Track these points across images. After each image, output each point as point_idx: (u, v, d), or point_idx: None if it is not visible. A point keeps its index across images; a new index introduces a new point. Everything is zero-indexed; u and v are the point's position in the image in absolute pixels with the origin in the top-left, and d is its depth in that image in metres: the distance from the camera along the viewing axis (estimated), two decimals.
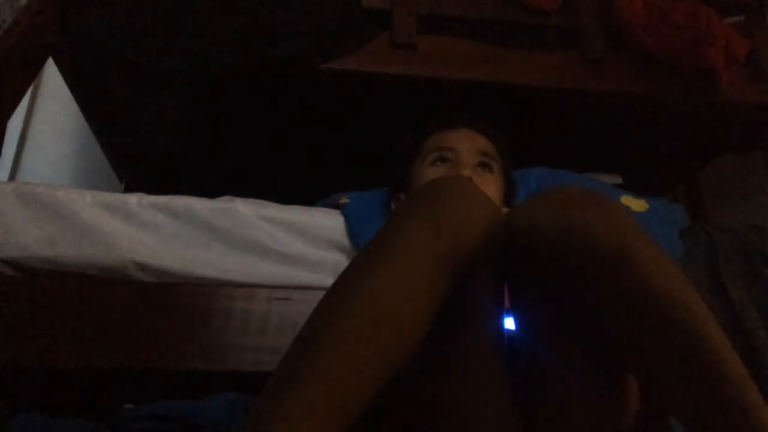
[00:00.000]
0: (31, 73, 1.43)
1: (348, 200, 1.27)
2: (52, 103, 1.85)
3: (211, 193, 1.24)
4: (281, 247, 1.15)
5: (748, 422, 0.55)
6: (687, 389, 0.59)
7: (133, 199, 1.16)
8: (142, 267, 1.09)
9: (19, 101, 1.39)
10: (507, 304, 0.77)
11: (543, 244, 0.67)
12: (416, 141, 1.21)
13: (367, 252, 0.64)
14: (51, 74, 1.67)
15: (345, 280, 0.62)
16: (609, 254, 0.61)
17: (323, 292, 0.62)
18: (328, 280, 1.11)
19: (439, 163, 1.15)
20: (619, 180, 1.89)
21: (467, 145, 1.15)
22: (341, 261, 1.15)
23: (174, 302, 1.07)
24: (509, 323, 0.76)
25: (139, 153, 1.94)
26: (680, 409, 0.61)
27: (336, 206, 1.27)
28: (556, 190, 0.72)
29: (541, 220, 0.68)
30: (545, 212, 0.68)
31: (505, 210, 1.12)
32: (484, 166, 1.15)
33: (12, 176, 1.73)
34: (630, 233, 0.62)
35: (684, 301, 0.60)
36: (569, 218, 0.65)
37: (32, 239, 1.08)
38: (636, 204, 1.37)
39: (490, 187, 1.12)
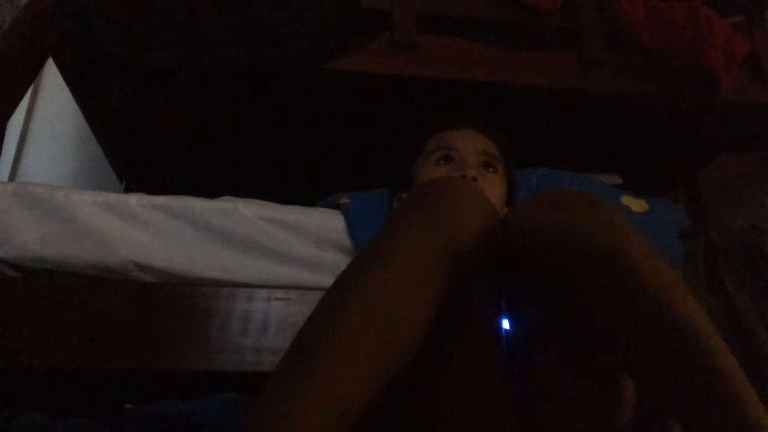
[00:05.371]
0: (31, 73, 1.43)
1: (348, 200, 1.27)
2: (52, 103, 1.86)
3: (211, 193, 1.24)
4: (281, 247, 1.15)
5: (745, 422, 0.55)
6: (683, 389, 0.59)
7: (133, 199, 1.16)
8: (142, 267, 1.09)
9: (19, 101, 1.39)
10: (504, 305, 0.77)
11: (538, 245, 0.67)
12: (418, 140, 1.21)
13: (366, 252, 0.64)
14: (51, 74, 1.68)
15: (345, 280, 0.63)
16: (604, 256, 0.61)
17: (323, 292, 0.62)
18: (328, 280, 1.12)
19: (442, 162, 1.14)
20: (619, 180, 1.89)
21: (471, 145, 1.15)
22: (341, 261, 1.15)
23: (174, 302, 1.07)
24: (506, 324, 0.77)
25: (139, 153, 1.94)
26: (677, 409, 0.61)
27: (336, 206, 1.27)
28: (551, 192, 0.73)
29: (537, 221, 0.68)
30: (540, 214, 0.68)
31: (506, 210, 1.12)
32: (487, 166, 1.14)
33: (12, 176, 1.74)
34: (625, 234, 0.62)
35: (679, 302, 0.60)
36: (564, 220, 0.65)
37: (32, 239, 1.08)
38: (636, 204, 1.37)
39: (495, 187, 1.12)
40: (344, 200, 1.27)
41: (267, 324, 1.07)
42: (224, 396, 1.03)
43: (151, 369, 1.04)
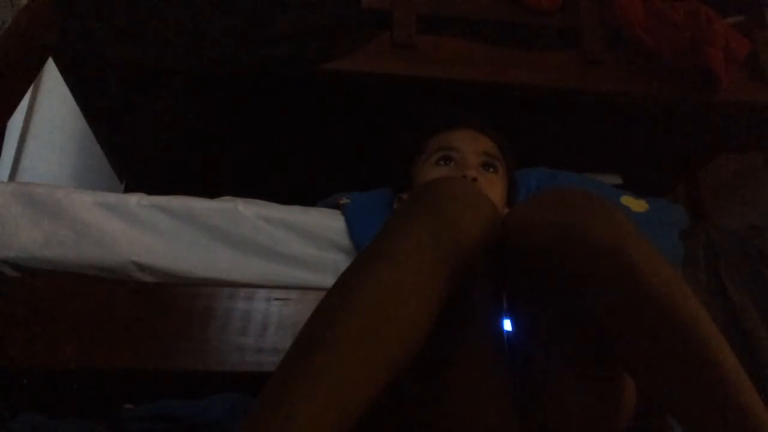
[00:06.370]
0: (31, 73, 1.43)
1: (348, 200, 1.27)
2: (52, 103, 1.86)
3: (211, 193, 1.24)
4: (281, 247, 1.15)
5: (746, 422, 0.55)
6: (684, 389, 0.59)
7: (133, 199, 1.16)
8: (142, 267, 1.09)
9: (19, 101, 1.39)
10: (505, 306, 0.77)
11: (539, 245, 0.67)
12: (418, 140, 1.20)
13: (367, 253, 0.64)
14: (51, 74, 1.68)
15: (345, 280, 0.63)
16: (605, 255, 0.61)
17: (323, 292, 0.62)
18: (328, 281, 1.12)
19: (442, 163, 1.14)
20: (619, 180, 1.90)
21: (471, 145, 1.15)
22: (341, 261, 1.15)
23: (174, 302, 1.07)
24: (507, 324, 0.77)
25: (139, 153, 1.94)
26: (678, 409, 0.61)
27: (336, 206, 1.27)
28: (552, 191, 0.72)
29: (537, 221, 0.68)
30: (541, 213, 0.68)
31: (507, 210, 1.12)
32: (488, 166, 1.14)
33: (12, 176, 1.74)
34: (626, 234, 0.62)
35: (680, 302, 0.60)
36: (565, 219, 0.65)
37: (32, 239, 1.08)
38: (636, 204, 1.37)
39: (496, 187, 1.12)
40: (344, 200, 1.27)
41: (267, 324, 1.07)
42: (224, 396, 1.03)
43: (151, 369, 1.04)
